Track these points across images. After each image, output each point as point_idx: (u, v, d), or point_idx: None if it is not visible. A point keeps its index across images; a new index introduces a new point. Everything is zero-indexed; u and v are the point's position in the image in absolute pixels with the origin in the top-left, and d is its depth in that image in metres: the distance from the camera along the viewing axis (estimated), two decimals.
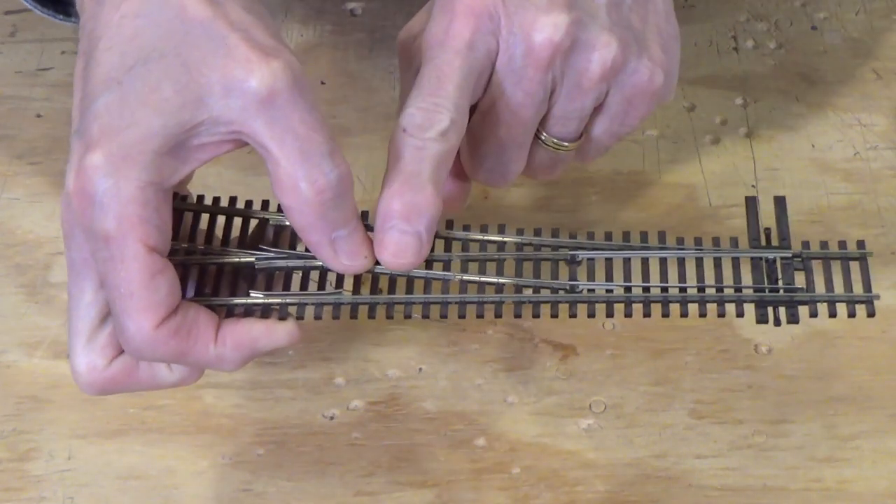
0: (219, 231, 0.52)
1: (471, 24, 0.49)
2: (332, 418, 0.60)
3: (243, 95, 0.44)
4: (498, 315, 0.50)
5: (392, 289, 0.50)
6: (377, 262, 0.49)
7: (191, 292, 0.50)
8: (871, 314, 0.50)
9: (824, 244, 0.51)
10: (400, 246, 0.48)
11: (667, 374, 0.61)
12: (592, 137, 0.54)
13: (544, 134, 0.53)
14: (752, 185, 0.67)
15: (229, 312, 0.49)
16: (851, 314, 0.50)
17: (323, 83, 0.72)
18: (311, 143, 0.45)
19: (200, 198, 0.52)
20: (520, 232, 0.51)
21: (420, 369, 0.61)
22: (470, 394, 0.60)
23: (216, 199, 0.52)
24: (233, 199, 0.52)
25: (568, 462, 0.58)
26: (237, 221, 0.52)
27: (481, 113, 0.51)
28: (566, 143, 0.53)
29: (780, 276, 0.50)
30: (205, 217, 0.52)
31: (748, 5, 0.75)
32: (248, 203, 0.52)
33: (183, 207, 0.51)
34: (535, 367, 0.61)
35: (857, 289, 0.50)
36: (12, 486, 0.58)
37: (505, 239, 0.51)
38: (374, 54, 0.73)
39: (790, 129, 0.70)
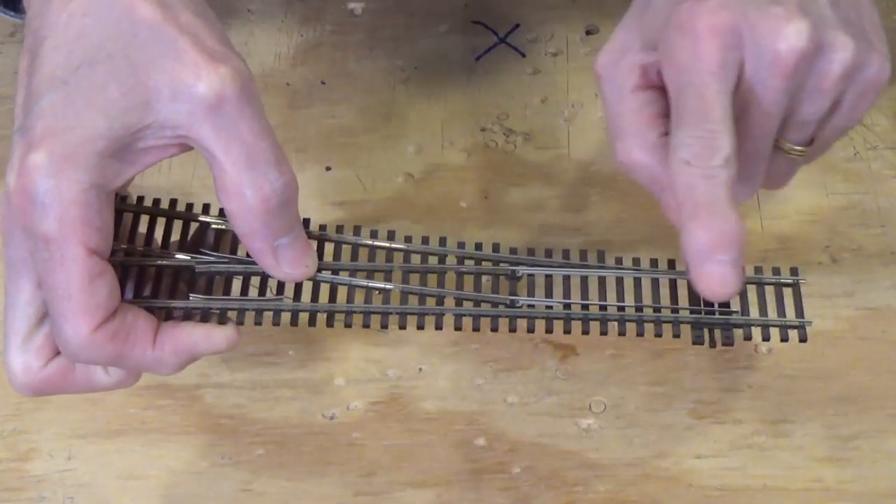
0: (160, 234, 0.52)
1: (718, 42, 0.47)
2: (332, 418, 0.60)
3: (191, 100, 0.44)
4: (438, 327, 0.50)
5: (333, 297, 0.50)
6: (319, 270, 0.50)
7: (129, 294, 0.49)
8: (802, 339, 0.51)
9: (758, 269, 0.52)
10: (721, 278, 0.45)
11: (667, 374, 0.61)
12: (823, 137, 0.52)
13: (782, 141, 0.51)
14: None
15: (168, 315, 0.49)
16: (784, 339, 0.51)
17: (323, 83, 0.72)
18: (257, 151, 0.45)
19: (140, 199, 0.52)
20: (461, 246, 0.52)
21: (420, 369, 0.61)
22: (470, 394, 0.60)
23: (156, 201, 0.52)
24: (173, 202, 0.52)
25: (568, 462, 0.58)
26: (178, 224, 0.52)
27: None
28: (801, 148, 0.51)
29: None
30: (145, 219, 0.51)
31: None
32: (189, 206, 0.52)
33: (123, 208, 0.51)
34: (535, 367, 0.61)
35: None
36: (12, 486, 0.58)
37: (447, 251, 0.52)
38: (374, 54, 0.73)
39: None
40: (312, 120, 0.70)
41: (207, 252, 0.50)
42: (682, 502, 0.57)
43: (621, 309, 0.50)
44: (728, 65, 0.47)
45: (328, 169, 0.68)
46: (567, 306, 0.51)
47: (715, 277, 0.45)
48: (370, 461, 0.58)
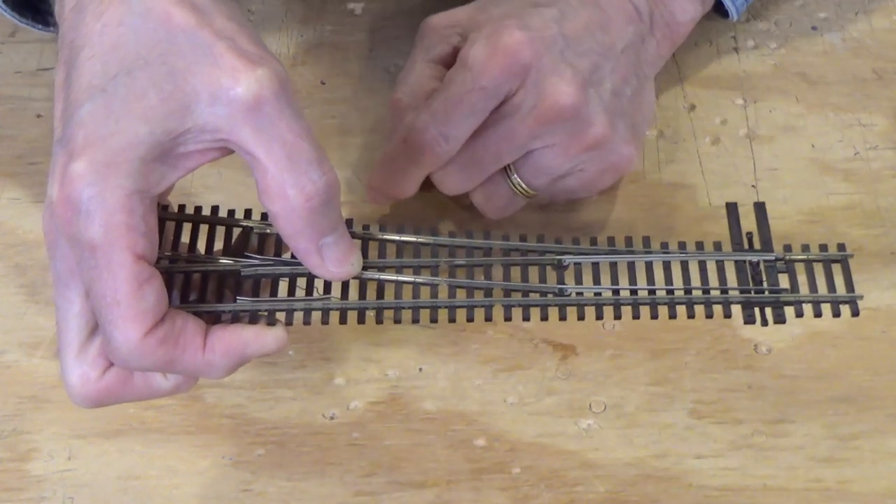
0: (202, 241, 0.52)
1: (505, 66, 0.56)
2: (332, 418, 0.60)
3: (230, 103, 0.44)
4: (488, 319, 0.50)
5: (381, 294, 0.50)
6: (365, 268, 0.50)
7: (176, 301, 0.49)
8: (855, 314, 0.51)
9: (806, 247, 0.52)
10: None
11: (667, 374, 0.61)
12: (553, 191, 0.61)
13: (515, 175, 0.60)
14: (752, 185, 0.67)
15: (216, 319, 0.49)
16: (836, 314, 0.51)
17: (323, 83, 0.72)
18: (298, 150, 0.45)
19: (182, 207, 0.52)
20: (506, 237, 0.52)
21: (420, 369, 0.61)
22: (470, 394, 0.60)
23: (198, 209, 0.52)
24: (215, 209, 0.52)
25: (568, 462, 0.58)
26: (220, 231, 0.52)
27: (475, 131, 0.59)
28: (529, 191, 0.60)
29: (764, 278, 0.51)
30: (187, 229, 0.51)
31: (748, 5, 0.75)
32: (231, 212, 0.52)
33: (165, 217, 0.51)
34: (535, 367, 0.61)
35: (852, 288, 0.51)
36: (12, 486, 0.58)
37: (492, 244, 0.52)
38: (374, 54, 0.73)
39: (790, 129, 0.70)
40: (312, 120, 0.70)
41: (252, 255, 0.50)
42: (682, 502, 0.57)
43: (670, 292, 0.50)
44: (499, 87, 0.57)
45: None
46: (616, 292, 0.50)
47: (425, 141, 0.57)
48: (370, 461, 0.58)
